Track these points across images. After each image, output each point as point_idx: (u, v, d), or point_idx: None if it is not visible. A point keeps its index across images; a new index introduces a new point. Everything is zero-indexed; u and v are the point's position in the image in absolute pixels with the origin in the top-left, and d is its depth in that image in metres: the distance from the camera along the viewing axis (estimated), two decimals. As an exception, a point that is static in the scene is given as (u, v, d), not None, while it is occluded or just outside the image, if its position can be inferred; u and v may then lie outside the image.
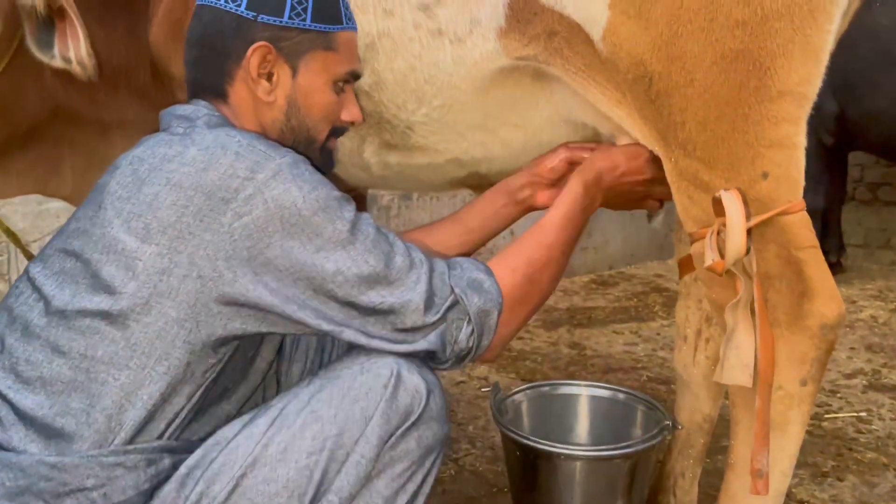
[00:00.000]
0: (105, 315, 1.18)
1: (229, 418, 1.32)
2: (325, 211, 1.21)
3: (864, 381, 3.04)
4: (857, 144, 4.48)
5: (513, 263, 1.35)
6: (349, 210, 1.24)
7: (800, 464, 2.31)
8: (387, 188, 2.08)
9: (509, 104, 1.57)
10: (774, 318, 1.39)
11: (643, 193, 1.56)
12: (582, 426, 1.85)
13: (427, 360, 1.29)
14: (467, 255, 1.64)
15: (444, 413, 1.30)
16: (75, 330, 1.20)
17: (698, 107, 1.32)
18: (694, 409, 1.71)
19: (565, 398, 1.86)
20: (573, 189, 1.45)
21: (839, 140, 4.40)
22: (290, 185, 1.19)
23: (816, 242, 1.37)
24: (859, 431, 2.55)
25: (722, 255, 1.30)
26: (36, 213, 3.42)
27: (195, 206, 1.18)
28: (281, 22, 1.30)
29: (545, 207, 1.55)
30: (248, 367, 1.37)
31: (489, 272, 1.32)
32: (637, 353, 3.48)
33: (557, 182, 1.56)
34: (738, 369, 1.37)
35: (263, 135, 1.32)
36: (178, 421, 1.24)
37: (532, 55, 1.45)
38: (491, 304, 1.29)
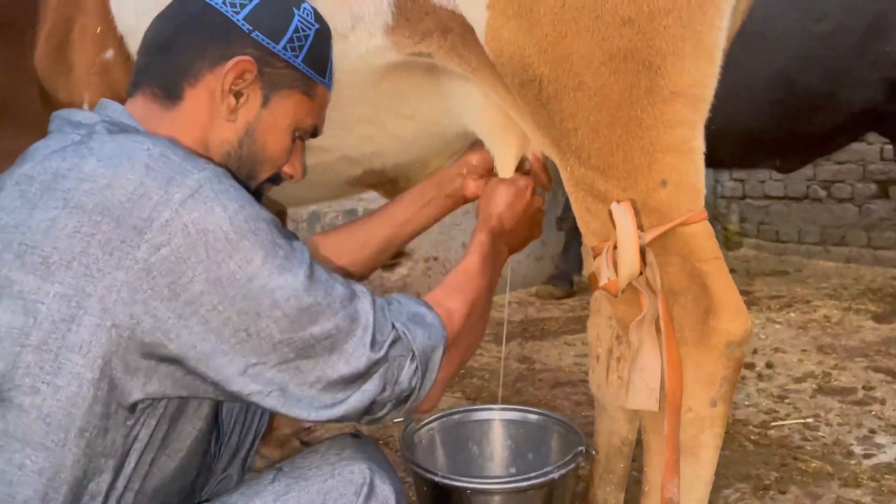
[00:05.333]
0: (8, 376, 0.97)
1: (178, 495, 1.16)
2: (256, 234, 1.01)
3: (814, 385, 2.97)
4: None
5: (450, 297, 1.24)
6: (280, 233, 1.06)
7: (742, 476, 2.23)
8: (288, 201, 1.98)
9: (401, 97, 1.48)
10: (681, 337, 1.30)
11: (535, 222, 1.54)
12: (498, 453, 1.74)
13: (357, 417, 1.12)
14: (396, 249, 1.59)
15: None
16: None
17: (590, 111, 1.22)
18: (612, 431, 1.61)
19: (479, 424, 1.76)
20: (480, 239, 1.39)
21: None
22: (212, 205, 0.99)
23: (720, 254, 1.28)
24: (805, 439, 2.47)
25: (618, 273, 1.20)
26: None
27: (103, 235, 0.97)
28: (274, 47, 1.18)
29: (475, 198, 1.51)
30: (184, 429, 1.16)
31: (429, 306, 1.19)
32: (587, 365, 3.38)
33: (485, 174, 1.51)
34: (643, 393, 1.27)
35: (201, 150, 1.16)
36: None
37: (427, 52, 1.35)
38: (436, 338, 1.14)
